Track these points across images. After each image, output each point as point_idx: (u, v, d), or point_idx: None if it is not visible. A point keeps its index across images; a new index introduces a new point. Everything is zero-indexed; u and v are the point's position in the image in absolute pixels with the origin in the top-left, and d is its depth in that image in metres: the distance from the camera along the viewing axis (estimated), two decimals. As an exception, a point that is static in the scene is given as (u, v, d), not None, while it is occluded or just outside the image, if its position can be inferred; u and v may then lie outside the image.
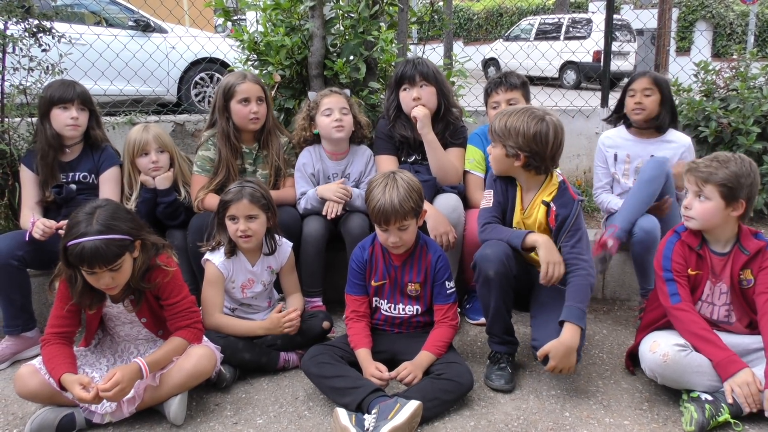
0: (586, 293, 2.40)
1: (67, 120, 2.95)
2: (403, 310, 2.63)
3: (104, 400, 2.14)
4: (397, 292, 2.62)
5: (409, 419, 2.09)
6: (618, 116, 3.33)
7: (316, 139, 3.21)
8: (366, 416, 2.14)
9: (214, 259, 2.66)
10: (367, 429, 2.08)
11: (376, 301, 2.65)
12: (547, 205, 2.49)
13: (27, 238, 2.75)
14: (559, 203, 2.47)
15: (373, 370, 2.39)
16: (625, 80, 3.30)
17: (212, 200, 2.99)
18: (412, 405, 2.13)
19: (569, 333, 2.32)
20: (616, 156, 3.27)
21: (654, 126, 3.19)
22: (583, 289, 2.40)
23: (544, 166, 2.46)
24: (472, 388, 2.41)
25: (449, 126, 3.17)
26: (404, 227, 2.44)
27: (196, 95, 6.41)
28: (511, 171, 2.53)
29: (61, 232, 2.22)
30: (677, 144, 3.18)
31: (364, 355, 2.47)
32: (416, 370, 2.39)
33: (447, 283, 2.59)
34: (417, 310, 2.62)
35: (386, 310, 2.64)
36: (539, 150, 2.41)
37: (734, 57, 4.40)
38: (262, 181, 2.98)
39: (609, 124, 3.41)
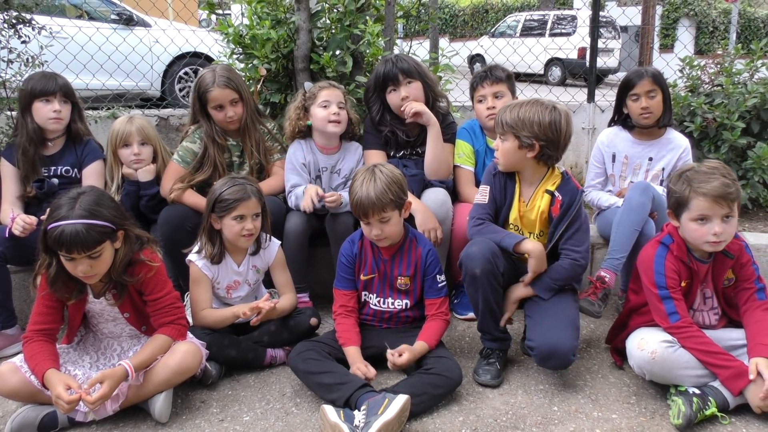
0: (563, 273, 2.48)
1: (49, 113, 2.89)
2: (393, 304, 2.61)
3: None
4: (386, 286, 2.60)
5: (399, 413, 2.07)
6: (622, 120, 3.22)
7: (307, 132, 3.16)
8: (355, 412, 2.12)
9: (198, 261, 2.61)
10: (357, 425, 2.06)
11: (365, 295, 2.63)
12: (551, 194, 2.48)
13: (7, 234, 2.69)
14: (563, 191, 2.46)
15: (361, 366, 2.38)
16: (611, 77, 3.24)
17: (192, 198, 2.95)
18: (401, 399, 2.11)
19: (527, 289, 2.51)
20: (614, 156, 3.22)
21: (657, 125, 3.12)
22: (561, 269, 2.47)
23: (556, 155, 2.46)
24: (461, 383, 2.40)
25: (438, 118, 3.14)
26: (385, 219, 2.42)
27: (180, 90, 6.33)
28: (521, 163, 2.50)
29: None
30: (675, 145, 3.13)
31: (353, 352, 2.45)
32: (412, 354, 2.39)
33: (438, 276, 2.57)
34: (406, 304, 2.61)
35: (375, 305, 2.62)
36: (554, 138, 2.40)
37: (719, 53, 4.42)
38: (251, 177, 2.94)
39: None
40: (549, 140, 2.40)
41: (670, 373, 2.29)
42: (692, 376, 2.27)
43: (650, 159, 3.14)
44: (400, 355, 2.37)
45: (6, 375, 2.17)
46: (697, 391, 2.23)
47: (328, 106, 3.03)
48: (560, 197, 2.46)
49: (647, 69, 3.11)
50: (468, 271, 2.42)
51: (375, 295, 2.62)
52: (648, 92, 3.03)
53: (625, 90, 3.12)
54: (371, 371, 2.37)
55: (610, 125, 3.32)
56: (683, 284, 2.35)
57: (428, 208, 2.91)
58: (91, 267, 2.12)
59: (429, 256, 2.57)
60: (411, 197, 2.58)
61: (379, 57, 3.59)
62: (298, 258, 2.95)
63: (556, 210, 2.47)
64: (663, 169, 3.13)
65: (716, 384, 2.25)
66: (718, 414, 2.21)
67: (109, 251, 2.17)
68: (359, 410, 2.13)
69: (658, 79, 3.05)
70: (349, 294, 2.61)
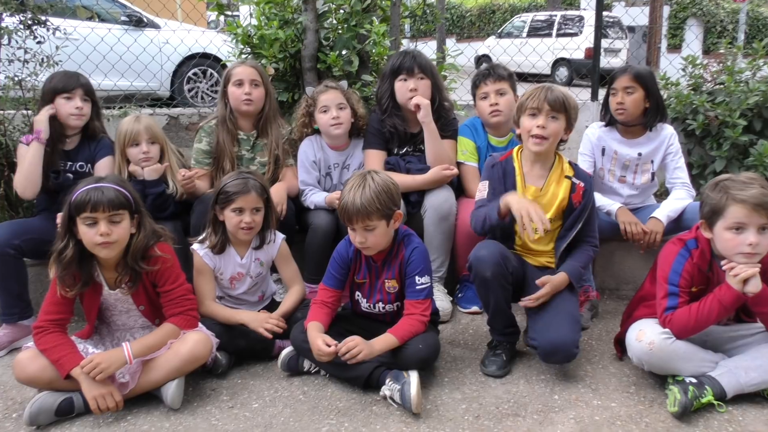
0: (587, 261, 2.65)
1: (71, 109, 2.96)
2: (383, 308, 2.58)
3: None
4: (376, 291, 2.57)
5: (418, 381, 2.29)
6: (609, 115, 3.22)
7: (317, 132, 3.27)
8: (384, 387, 2.33)
9: (200, 251, 2.68)
10: (388, 395, 2.31)
11: (358, 295, 2.63)
12: (570, 179, 2.56)
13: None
14: (581, 178, 2.57)
15: (320, 343, 2.34)
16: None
17: (200, 184, 3.08)
18: (413, 372, 2.33)
19: (561, 279, 2.53)
20: (603, 150, 3.24)
21: (641, 123, 3.13)
22: (586, 257, 2.64)
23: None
24: (436, 359, 2.54)
25: (441, 119, 3.20)
26: (370, 228, 2.36)
27: (189, 90, 6.41)
28: (551, 149, 2.57)
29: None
30: (662, 135, 3.15)
31: (312, 328, 2.42)
32: (365, 348, 2.32)
33: (418, 278, 2.46)
34: (397, 306, 2.58)
35: (366, 307, 2.61)
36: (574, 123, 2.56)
37: (721, 51, 4.45)
38: (259, 173, 3.02)
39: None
40: (571, 125, 2.54)
41: (667, 364, 2.34)
42: (689, 367, 2.31)
43: (639, 154, 3.16)
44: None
45: (24, 362, 2.24)
46: (694, 380, 2.28)
47: (327, 110, 3.13)
48: (582, 184, 2.54)
49: (633, 66, 3.12)
50: (478, 275, 2.46)
51: (366, 299, 2.60)
52: (625, 88, 3.04)
53: (608, 85, 3.17)
54: (332, 345, 2.33)
55: (600, 119, 3.32)
56: (694, 289, 2.35)
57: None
58: (110, 231, 2.20)
59: (412, 256, 2.48)
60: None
61: (385, 56, 3.66)
62: (322, 253, 2.90)
63: (577, 197, 2.54)
64: (652, 161, 3.17)
65: (713, 374, 2.30)
66: (715, 402, 2.25)
67: (126, 224, 2.27)
68: (385, 384, 2.31)
69: (640, 78, 3.04)
70: (332, 292, 2.56)
